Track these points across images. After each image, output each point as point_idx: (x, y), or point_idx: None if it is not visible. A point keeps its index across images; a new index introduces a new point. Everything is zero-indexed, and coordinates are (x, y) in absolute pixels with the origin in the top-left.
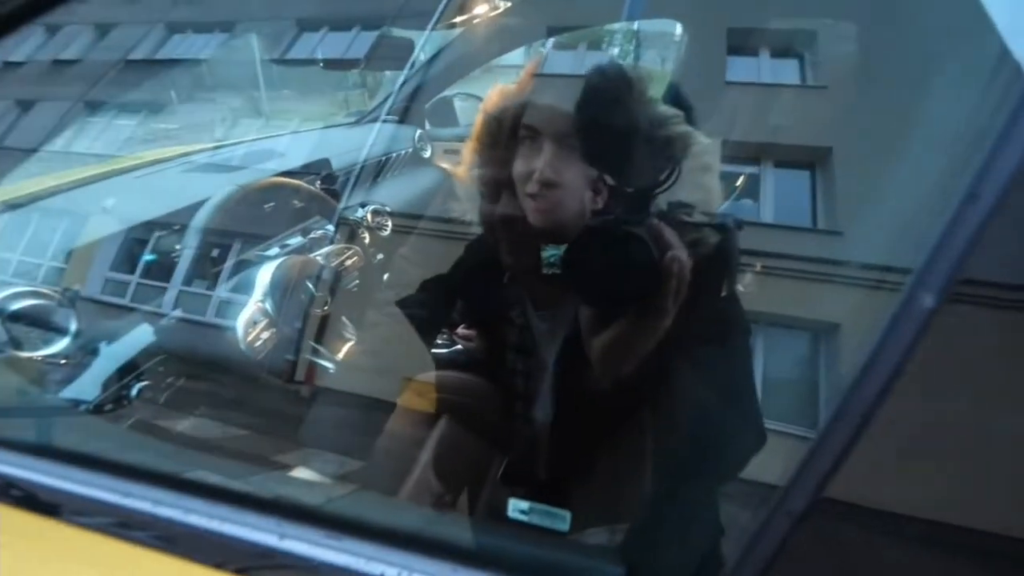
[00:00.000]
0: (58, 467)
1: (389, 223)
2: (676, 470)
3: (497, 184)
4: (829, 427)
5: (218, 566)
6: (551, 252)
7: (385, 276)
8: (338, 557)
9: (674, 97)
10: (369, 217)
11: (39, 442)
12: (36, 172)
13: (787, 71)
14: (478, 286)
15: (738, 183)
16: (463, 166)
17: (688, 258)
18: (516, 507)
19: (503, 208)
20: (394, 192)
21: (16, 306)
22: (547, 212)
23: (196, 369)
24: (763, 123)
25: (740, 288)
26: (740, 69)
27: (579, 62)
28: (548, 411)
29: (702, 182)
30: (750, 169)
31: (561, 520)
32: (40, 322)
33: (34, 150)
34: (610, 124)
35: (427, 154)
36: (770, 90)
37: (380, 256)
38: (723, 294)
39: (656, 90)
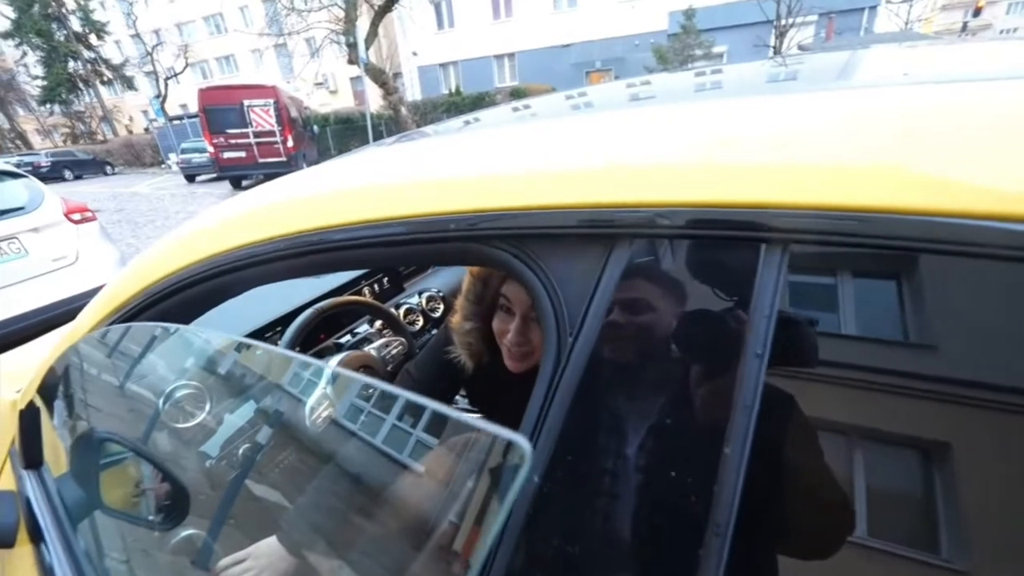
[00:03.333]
0: None
1: (441, 306)
2: None
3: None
4: None
5: None
6: None
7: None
8: None
9: None
10: (424, 302)
11: None
12: None
13: None
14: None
15: None
16: (457, 315)
17: None
18: None
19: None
20: (444, 278)
21: (178, 394)
22: (519, 359)
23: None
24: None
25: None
26: None
27: None
28: None
29: None
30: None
31: None
32: (190, 404)
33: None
34: None
35: None
36: None
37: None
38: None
39: None
